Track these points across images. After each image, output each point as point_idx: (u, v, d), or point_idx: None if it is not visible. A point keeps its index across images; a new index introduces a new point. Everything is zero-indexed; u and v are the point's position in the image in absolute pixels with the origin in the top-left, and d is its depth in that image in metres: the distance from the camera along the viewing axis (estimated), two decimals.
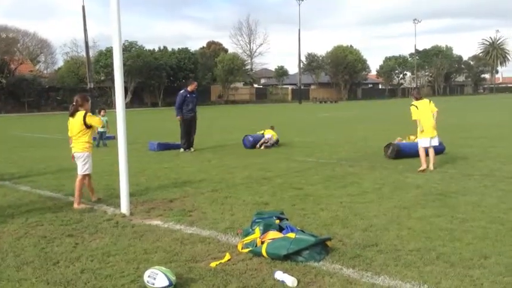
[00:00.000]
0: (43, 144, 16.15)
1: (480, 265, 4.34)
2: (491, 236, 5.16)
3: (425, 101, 9.79)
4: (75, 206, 6.86)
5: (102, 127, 14.69)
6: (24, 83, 47.35)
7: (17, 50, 54.91)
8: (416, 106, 9.56)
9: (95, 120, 7.07)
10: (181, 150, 13.37)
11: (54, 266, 4.54)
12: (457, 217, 5.90)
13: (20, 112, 45.07)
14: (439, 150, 10.90)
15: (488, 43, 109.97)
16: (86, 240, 5.33)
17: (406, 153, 10.76)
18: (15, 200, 7.44)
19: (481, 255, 4.56)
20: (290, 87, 78.95)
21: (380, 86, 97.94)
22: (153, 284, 3.91)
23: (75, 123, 6.95)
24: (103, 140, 15.22)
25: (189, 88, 13.54)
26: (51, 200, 7.40)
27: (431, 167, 9.36)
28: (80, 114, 6.89)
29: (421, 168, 9.27)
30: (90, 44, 48.58)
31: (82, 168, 7.01)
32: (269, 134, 13.99)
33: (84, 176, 7.06)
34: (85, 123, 6.89)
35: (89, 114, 6.95)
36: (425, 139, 9.46)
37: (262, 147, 13.56)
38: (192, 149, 13.46)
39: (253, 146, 13.65)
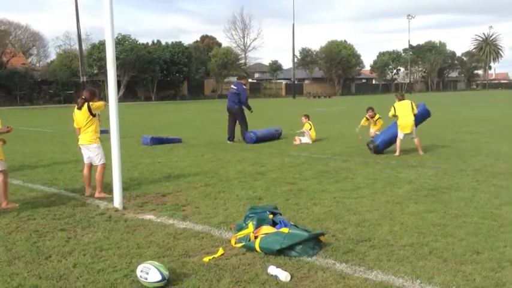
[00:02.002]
0: (35, 138, 16.04)
1: (473, 260, 4.36)
2: (483, 231, 5.18)
3: (407, 102, 11.03)
4: (96, 194, 7.07)
5: None
6: (16, 76, 46.89)
7: (9, 42, 54.38)
8: (395, 108, 10.96)
9: (98, 105, 7.13)
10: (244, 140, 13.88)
11: (46, 261, 4.52)
12: (450, 212, 5.93)
13: (11, 105, 44.68)
14: (425, 114, 11.64)
15: (481, 39, 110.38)
16: (79, 235, 5.31)
17: (387, 146, 11.24)
18: (7, 194, 7.37)
19: (474, 251, 4.59)
20: (284, 82, 78.85)
21: (374, 81, 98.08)
22: (146, 279, 3.90)
23: (82, 114, 7.06)
24: None
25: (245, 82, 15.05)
26: (44, 194, 7.35)
27: (420, 152, 10.92)
28: (86, 105, 7.04)
29: (396, 154, 10.73)
30: (83, 37, 48.13)
31: (97, 159, 7.17)
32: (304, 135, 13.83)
33: (103, 165, 7.17)
34: (90, 112, 7.03)
35: (91, 102, 7.06)
36: (402, 133, 10.87)
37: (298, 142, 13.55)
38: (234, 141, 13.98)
39: (255, 142, 13.53)
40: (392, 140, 11.16)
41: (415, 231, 5.23)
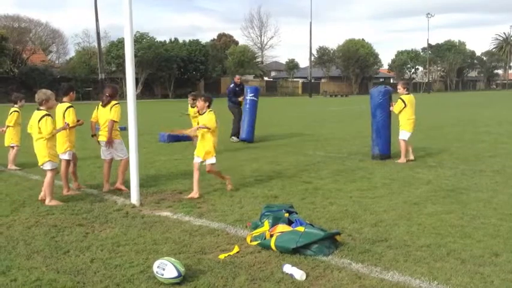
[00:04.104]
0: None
1: (491, 262, 4.30)
2: (502, 233, 5.11)
3: (412, 96, 9.93)
4: (118, 185, 7.30)
5: None
6: (36, 72, 47.56)
7: (29, 39, 55.21)
8: (404, 101, 9.66)
9: (117, 114, 7.22)
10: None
11: (65, 255, 4.58)
12: (468, 214, 5.86)
13: (31, 102, 44.89)
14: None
15: (501, 38, 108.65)
16: (96, 230, 5.37)
17: (388, 151, 10.12)
18: (27, 189, 7.50)
19: (492, 253, 4.53)
20: (300, 80, 78.65)
21: (392, 81, 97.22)
22: (162, 275, 3.93)
23: (105, 113, 7.22)
24: None
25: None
26: (62, 189, 7.44)
27: (410, 157, 9.75)
28: (110, 105, 7.21)
29: (401, 160, 9.63)
30: (102, 34, 48.65)
31: (122, 154, 7.35)
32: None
33: (127, 159, 7.21)
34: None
35: (116, 106, 7.22)
36: (408, 133, 9.72)
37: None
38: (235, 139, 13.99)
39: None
40: (389, 140, 10.07)
41: (432, 232, 5.18)
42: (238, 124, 13.96)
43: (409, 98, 9.74)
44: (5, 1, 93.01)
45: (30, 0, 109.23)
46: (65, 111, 7.01)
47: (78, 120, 7.20)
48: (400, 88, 9.94)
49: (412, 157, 9.75)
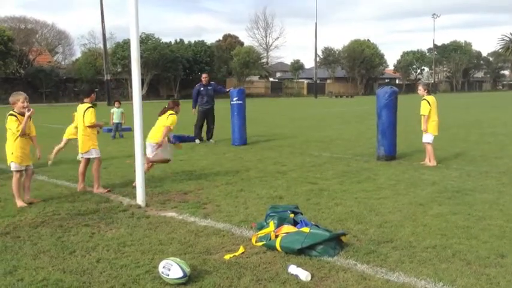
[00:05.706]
0: (60, 135, 16.29)
1: (497, 264, 4.29)
2: (508, 234, 5.09)
3: (434, 97, 9.60)
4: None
5: (118, 118, 15.20)
6: (42, 73, 47.81)
7: (35, 41, 55.51)
8: (428, 102, 9.36)
9: (171, 121, 7.98)
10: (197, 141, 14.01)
11: (71, 255, 4.61)
12: (474, 215, 5.84)
13: (37, 103, 45.38)
14: None
15: (508, 39, 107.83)
16: (102, 230, 5.39)
17: (394, 152, 10.18)
18: (33, 190, 7.52)
19: (498, 254, 4.51)
20: (306, 81, 78.59)
21: (397, 81, 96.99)
22: (168, 275, 3.94)
23: (161, 120, 8.08)
24: (119, 131, 15.37)
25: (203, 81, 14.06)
26: (68, 190, 7.48)
27: (427, 161, 9.59)
28: (167, 114, 8.04)
29: (432, 164, 9.42)
30: (108, 35, 48.85)
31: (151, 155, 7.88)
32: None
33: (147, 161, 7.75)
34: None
35: (172, 115, 8.02)
36: (431, 135, 9.46)
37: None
38: (212, 141, 13.95)
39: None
40: (395, 141, 10.09)
41: (438, 233, 5.17)
42: (206, 125, 14.02)
43: (432, 99, 9.41)
44: (11, 2, 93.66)
45: (36, 1, 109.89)
46: (85, 111, 7.33)
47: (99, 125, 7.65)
48: (421, 89, 9.62)
49: (429, 161, 9.54)
